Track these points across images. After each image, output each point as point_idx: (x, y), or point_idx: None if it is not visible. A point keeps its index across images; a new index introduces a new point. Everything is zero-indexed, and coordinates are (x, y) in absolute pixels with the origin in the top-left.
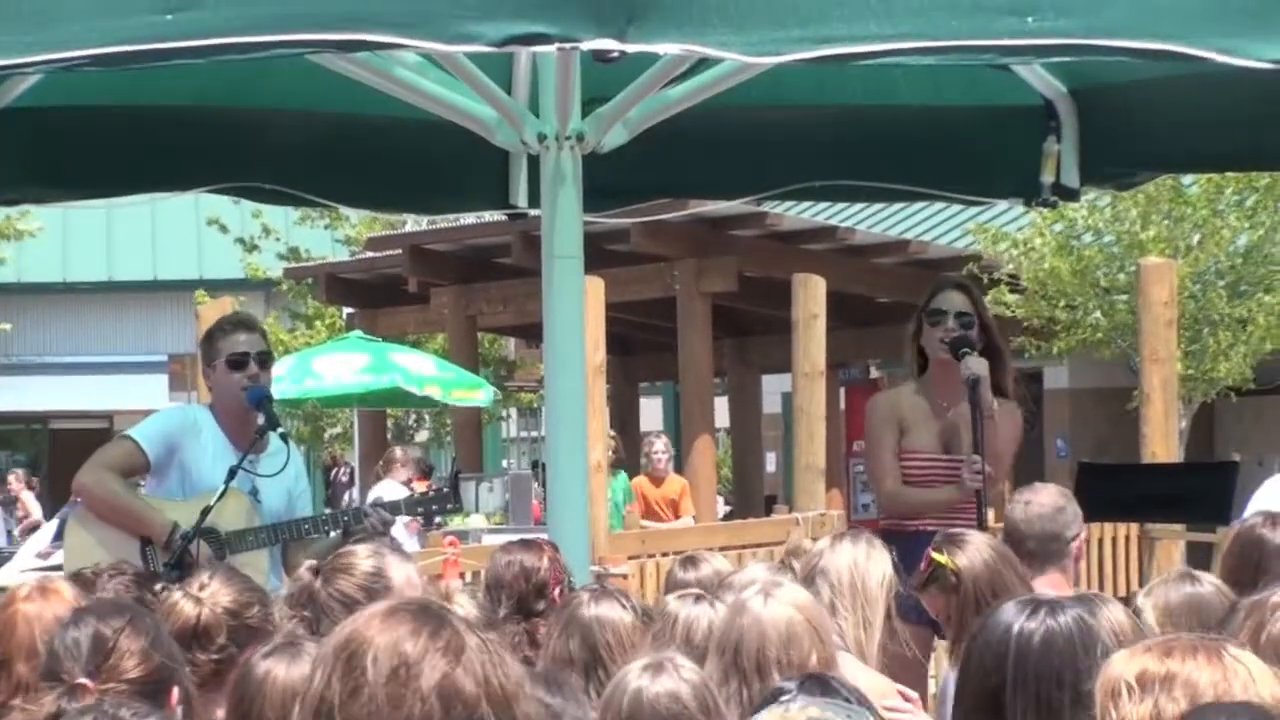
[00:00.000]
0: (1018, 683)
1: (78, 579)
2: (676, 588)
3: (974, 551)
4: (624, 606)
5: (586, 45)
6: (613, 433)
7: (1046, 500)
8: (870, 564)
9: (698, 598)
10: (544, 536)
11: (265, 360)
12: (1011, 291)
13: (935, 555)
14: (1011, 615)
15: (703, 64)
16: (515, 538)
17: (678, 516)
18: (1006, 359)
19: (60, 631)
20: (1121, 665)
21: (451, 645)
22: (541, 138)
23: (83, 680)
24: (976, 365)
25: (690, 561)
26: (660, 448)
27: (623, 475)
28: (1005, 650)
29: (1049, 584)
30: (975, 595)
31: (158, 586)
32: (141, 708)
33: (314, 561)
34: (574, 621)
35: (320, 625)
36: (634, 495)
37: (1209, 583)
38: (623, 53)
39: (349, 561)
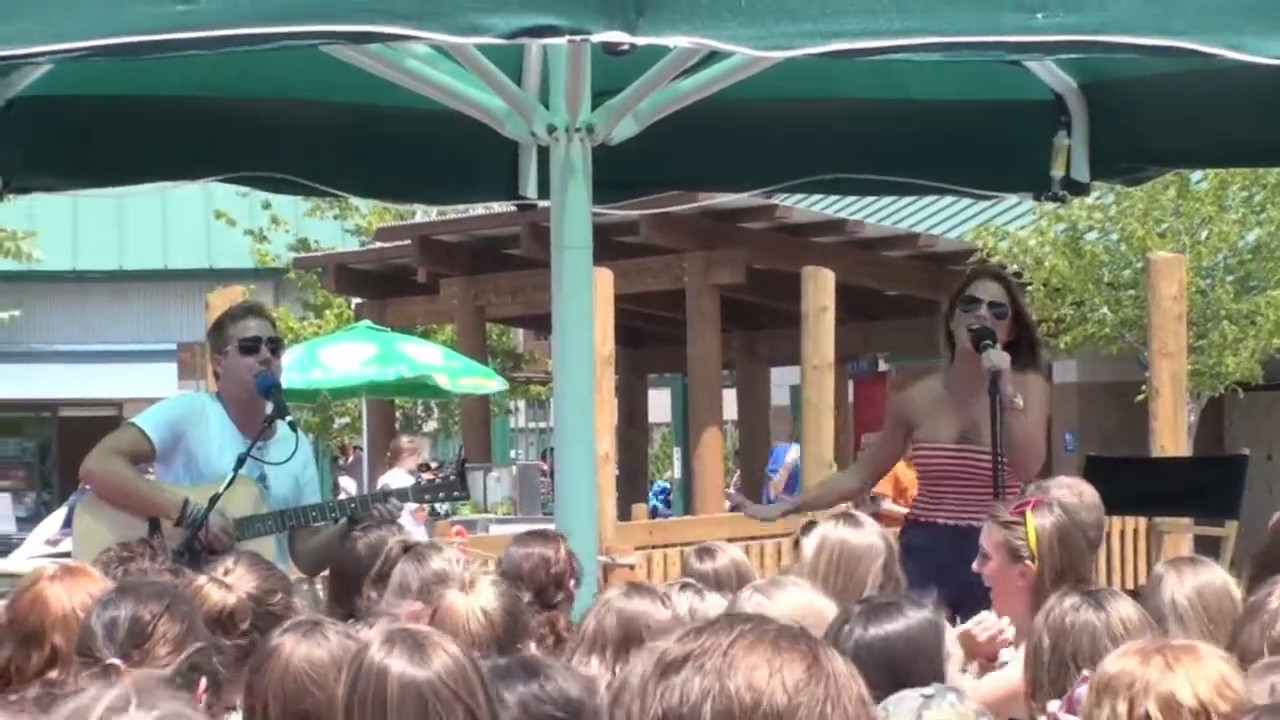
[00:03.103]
0: None
1: (111, 556)
2: (692, 578)
3: (1060, 536)
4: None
5: (597, 38)
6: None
7: (1093, 490)
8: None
9: (682, 586)
10: (553, 528)
11: (276, 346)
12: None
13: (1030, 515)
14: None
15: (713, 57)
16: (525, 528)
17: None
18: (1039, 352)
19: (98, 609)
20: (1096, 671)
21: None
22: (551, 129)
23: (115, 661)
24: (998, 359)
25: (706, 552)
26: None
27: None
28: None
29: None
30: (1041, 576)
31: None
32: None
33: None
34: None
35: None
36: None
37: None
38: (633, 45)
39: (429, 553)
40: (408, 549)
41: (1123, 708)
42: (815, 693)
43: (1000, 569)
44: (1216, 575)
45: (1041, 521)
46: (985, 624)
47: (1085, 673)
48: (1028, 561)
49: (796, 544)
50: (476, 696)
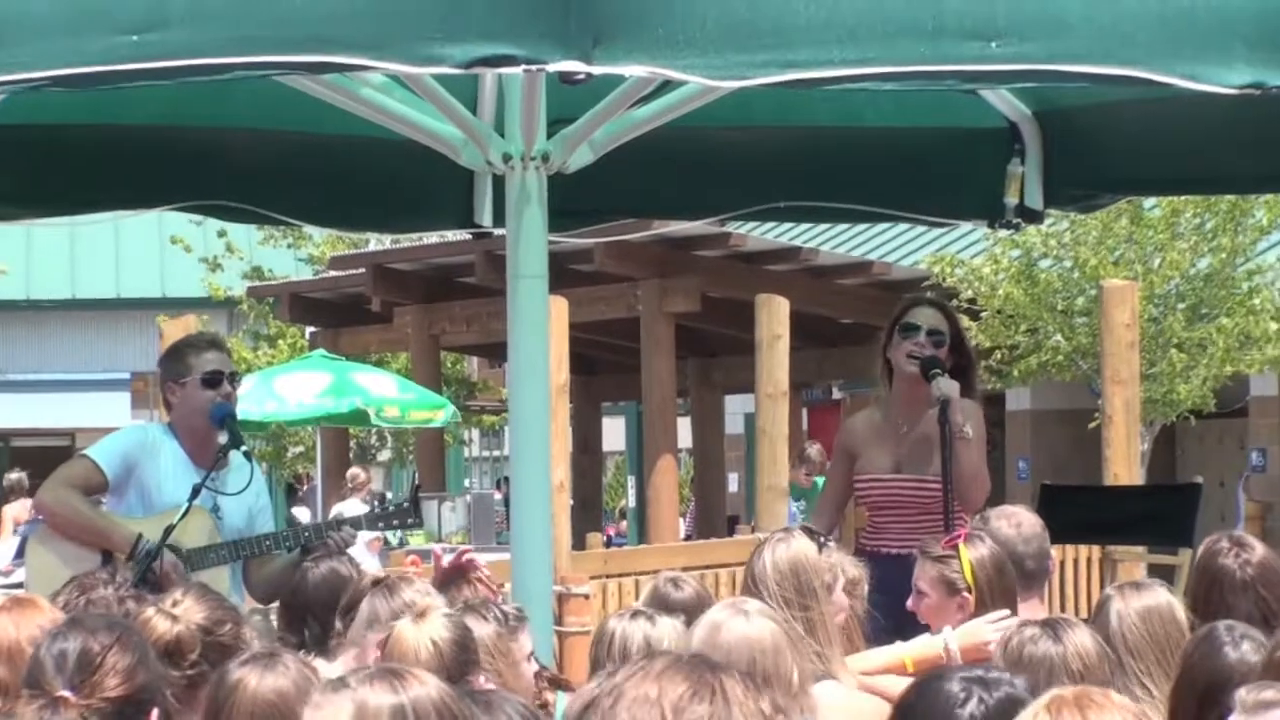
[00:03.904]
0: None
1: (72, 588)
2: (666, 606)
3: (996, 566)
4: (485, 618)
5: (553, 67)
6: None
7: (1034, 520)
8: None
9: (634, 614)
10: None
11: (235, 380)
12: (971, 318)
13: (963, 547)
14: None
15: (668, 85)
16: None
17: None
18: (975, 380)
19: (48, 641)
20: None
21: None
22: (507, 158)
23: (64, 693)
24: (947, 386)
25: (675, 582)
26: None
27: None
28: None
29: (1032, 608)
30: (981, 607)
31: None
32: None
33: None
34: None
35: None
36: None
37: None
38: (589, 75)
39: (399, 586)
40: (378, 583)
41: None
42: (699, 710)
43: (938, 604)
44: (1161, 598)
45: (976, 553)
46: (992, 622)
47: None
48: (965, 594)
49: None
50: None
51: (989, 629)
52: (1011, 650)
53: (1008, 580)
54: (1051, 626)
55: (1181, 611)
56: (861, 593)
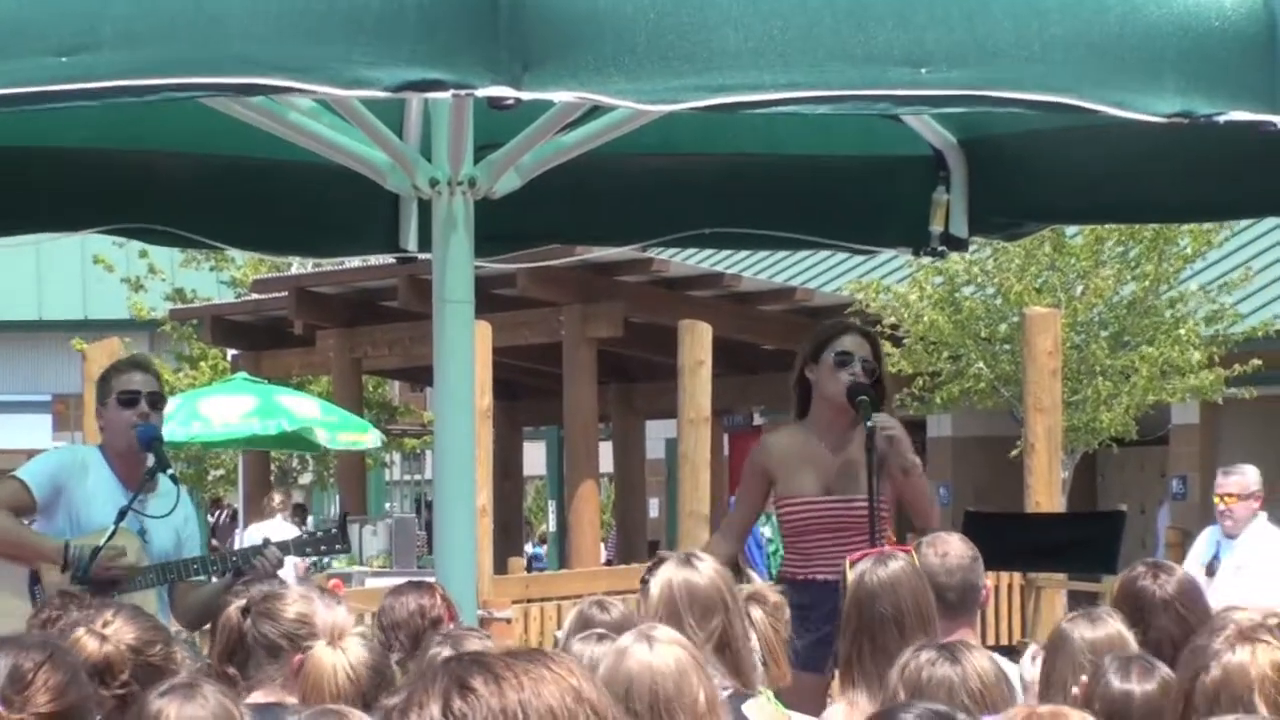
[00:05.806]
0: None
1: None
2: (593, 628)
3: (860, 593)
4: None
5: (482, 92)
6: None
7: (963, 550)
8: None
9: (600, 636)
10: (431, 578)
11: (156, 401)
12: (893, 345)
13: (847, 564)
14: None
15: (596, 110)
16: (399, 580)
17: None
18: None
19: None
20: None
21: None
22: (434, 183)
23: None
24: (884, 420)
25: (601, 605)
26: None
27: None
28: None
29: (963, 637)
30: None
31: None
32: None
33: (242, 601)
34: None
35: (249, 667)
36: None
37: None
38: (518, 100)
39: (276, 606)
40: (245, 612)
41: None
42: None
43: None
44: (1113, 628)
45: (854, 574)
46: None
47: None
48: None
49: (644, 583)
50: None
51: None
52: (910, 674)
53: (873, 612)
54: (949, 650)
55: (1133, 641)
56: (784, 617)
